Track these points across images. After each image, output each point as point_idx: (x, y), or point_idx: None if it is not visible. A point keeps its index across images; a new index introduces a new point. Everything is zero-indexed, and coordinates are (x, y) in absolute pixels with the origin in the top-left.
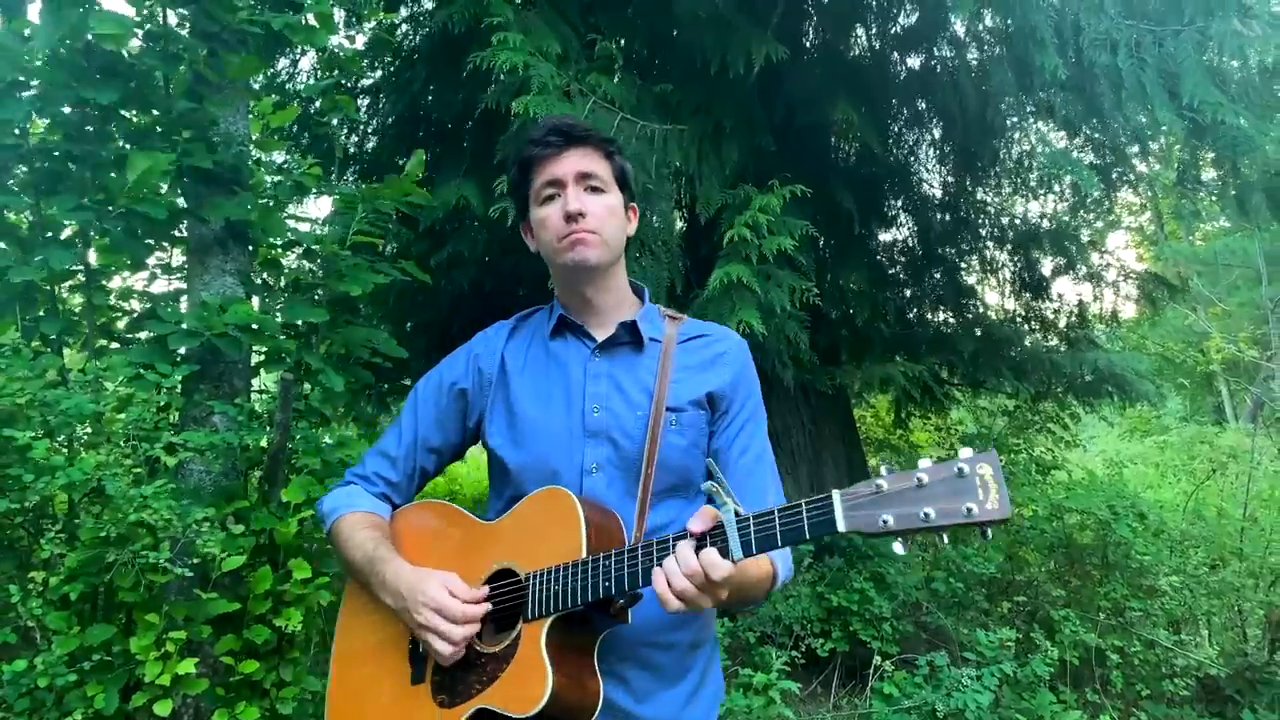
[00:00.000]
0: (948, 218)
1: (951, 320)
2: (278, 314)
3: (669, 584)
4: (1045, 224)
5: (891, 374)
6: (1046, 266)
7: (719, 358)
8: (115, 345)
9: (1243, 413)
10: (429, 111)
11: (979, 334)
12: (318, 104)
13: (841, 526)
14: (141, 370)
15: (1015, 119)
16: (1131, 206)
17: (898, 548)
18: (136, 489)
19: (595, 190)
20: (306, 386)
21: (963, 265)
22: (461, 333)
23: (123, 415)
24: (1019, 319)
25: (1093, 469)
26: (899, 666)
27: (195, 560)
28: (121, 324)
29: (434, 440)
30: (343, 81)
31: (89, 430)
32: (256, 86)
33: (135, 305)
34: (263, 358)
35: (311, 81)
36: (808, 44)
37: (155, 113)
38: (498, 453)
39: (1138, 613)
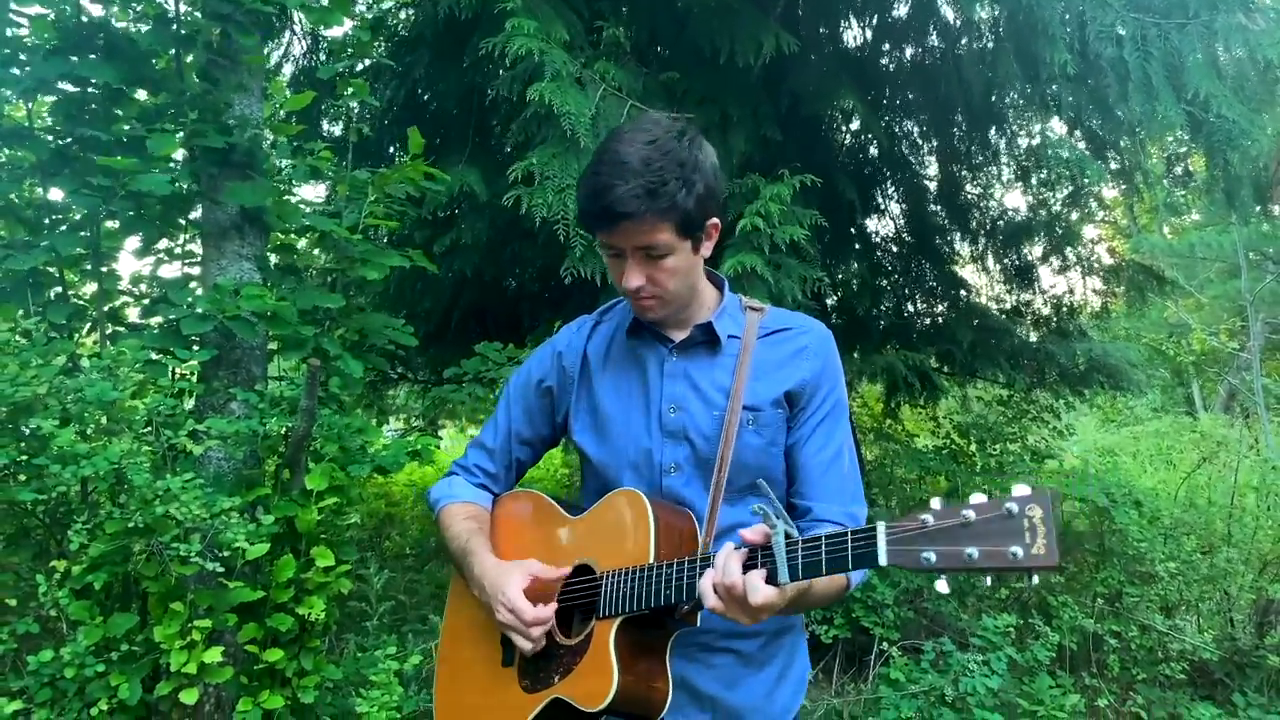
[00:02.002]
0: (941, 208)
1: (945, 310)
2: (293, 300)
3: (714, 588)
4: (1036, 215)
5: (893, 363)
6: (1037, 257)
7: (800, 352)
8: (123, 331)
9: (1212, 403)
10: (429, 97)
11: (975, 324)
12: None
13: (883, 560)
14: (156, 356)
15: (1015, 110)
16: (1111, 200)
17: (941, 585)
18: (162, 479)
19: (657, 257)
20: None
21: (956, 255)
22: (462, 320)
23: (139, 402)
24: (1011, 310)
25: (1084, 458)
26: (903, 652)
27: (225, 553)
28: (132, 310)
29: (526, 434)
30: (350, 65)
31: (103, 418)
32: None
33: (144, 290)
34: (279, 344)
35: (318, 64)
36: (802, 32)
37: (163, 95)
38: (582, 447)
39: (1134, 598)
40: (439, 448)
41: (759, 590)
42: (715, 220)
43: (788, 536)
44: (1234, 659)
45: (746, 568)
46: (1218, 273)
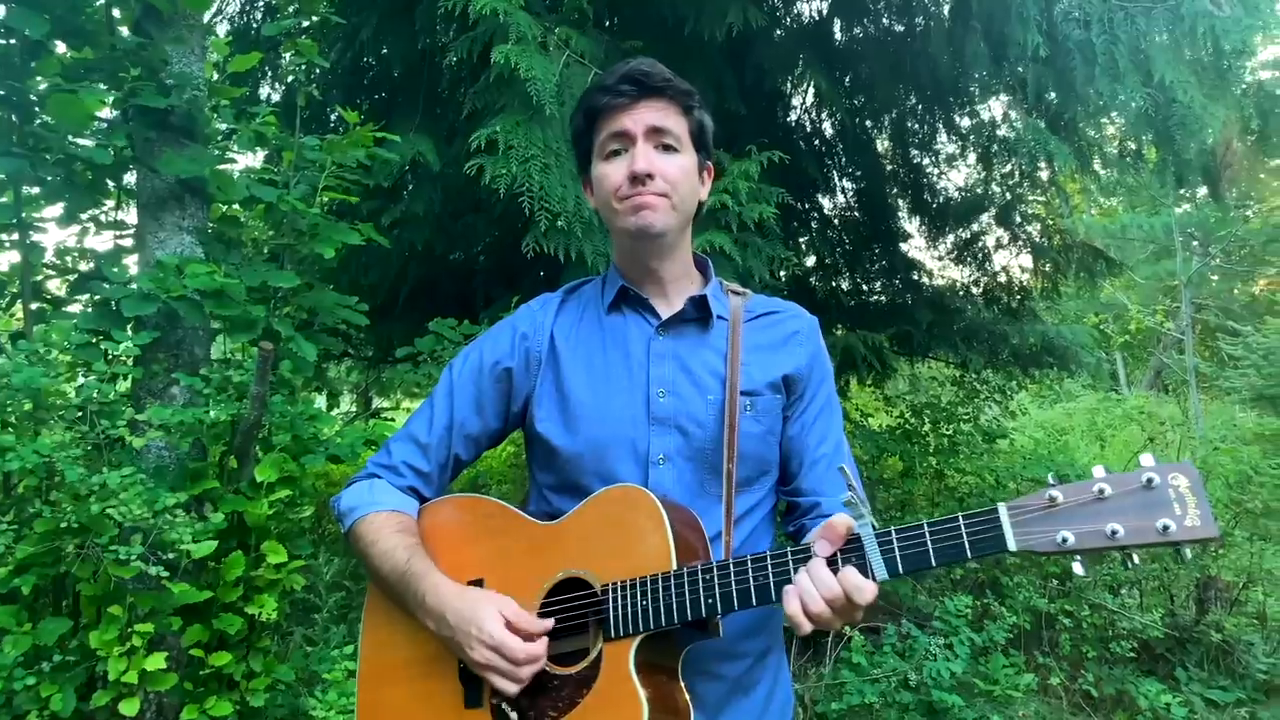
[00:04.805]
0: (896, 187)
1: (900, 289)
2: (242, 277)
3: (804, 607)
4: (990, 195)
5: (852, 343)
6: (992, 238)
7: (792, 337)
8: (48, 308)
9: (1137, 380)
10: (378, 60)
11: (931, 303)
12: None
13: (1012, 546)
14: (93, 338)
15: (977, 90)
16: (1066, 182)
17: (1077, 568)
18: (98, 474)
19: (668, 149)
20: None
21: (911, 234)
22: (411, 296)
23: (70, 387)
24: (964, 289)
25: (1032, 437)
26: (861, 633)
27: (169, 556)
28: (56, 285)
29: (472, 426)
30: (295, 24)
31: (30, 406)
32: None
33: (71, 263)
34: (226, 325)
35: (255, 23)
36: (764, 6)
37: (88, 49)
38: (548, 439)
39: (1086, 579)
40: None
41: (863, 589)
42: (710, 162)
43: (873, 528)
44: (1174, 635)
45: (830, 566)
46: (1148, 254)
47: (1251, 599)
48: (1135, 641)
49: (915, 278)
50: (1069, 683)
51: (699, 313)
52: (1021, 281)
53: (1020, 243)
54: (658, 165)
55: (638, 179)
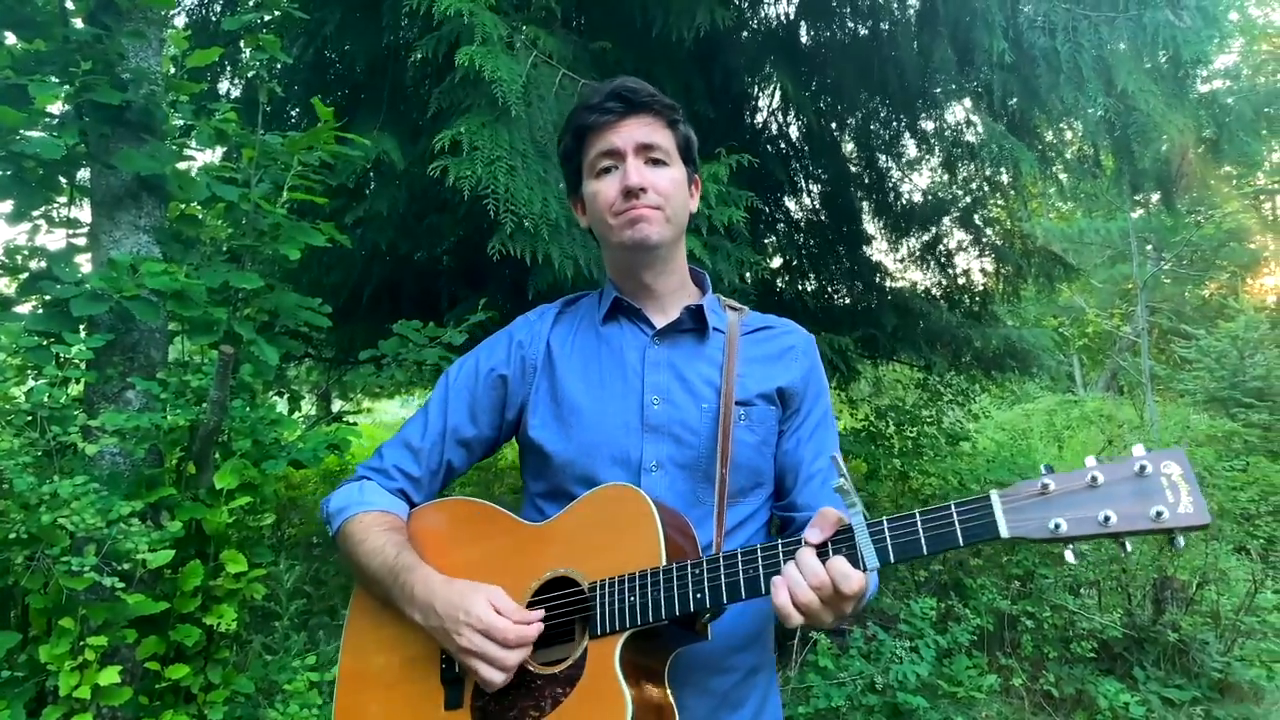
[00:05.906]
0: (862, 191)
1: (865, 292)
2: (204, 278)
3: (792, 596)
4: (955, 200)
5: (820, 347)
6: (956, 242)
7: (788, 351)
8: None
9: (1093, 382)
10: (341, 58)
11: (896, 307)
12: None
13: (1004, 532)
14: (44, 341)
15: (942, 95)
16: (1030, 188)
17: (1069, 556)
18: (48, 483)
19: (657, 163)
20: None
21: (876, 237)
22: (375, 297)
23: (21, 393)
24: (928, 293)
25: (995, 439)
26: (827, 635)
27: (124, 566)
28: (5, 284)
29: (466, 432)
30: (257, 17)
31: None
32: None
33: (21, 262)
34: (185, 327)
35: (215, 16)
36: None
37: (40, 41)
38: (541, 444)
39: (1046, 579)
40: (358, 437)
41: (850, 577)
42: (697, 175)
43: (865, 517)
44: (1133, 634)
45: (820, 557)
46: (1104, 259)
47: (1206, 599)
48: (1095, 641)
49: (879, 280)
50: (1030, 683)
51: (695, 323)
52: (983, 285)
53: (982, 245)
54: (649, 179)
55: (631, 193)
